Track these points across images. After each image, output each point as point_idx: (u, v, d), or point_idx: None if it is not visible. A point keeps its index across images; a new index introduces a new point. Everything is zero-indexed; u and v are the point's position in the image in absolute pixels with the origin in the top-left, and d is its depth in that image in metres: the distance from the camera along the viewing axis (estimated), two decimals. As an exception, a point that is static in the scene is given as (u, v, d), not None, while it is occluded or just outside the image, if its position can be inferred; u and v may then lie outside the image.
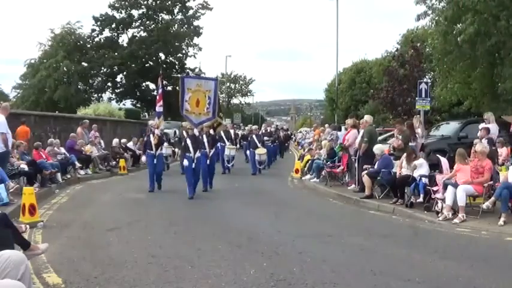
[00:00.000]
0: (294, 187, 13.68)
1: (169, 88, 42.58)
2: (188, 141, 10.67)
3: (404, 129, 10.99)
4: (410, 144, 10.34)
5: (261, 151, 16.35)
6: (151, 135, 11.76)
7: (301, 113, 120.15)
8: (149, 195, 10.88)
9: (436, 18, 16.39)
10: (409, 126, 10.97)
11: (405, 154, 9.72)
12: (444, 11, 15.75)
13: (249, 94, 62.71)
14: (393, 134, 16.77)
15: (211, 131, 12.98)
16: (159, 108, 12.67)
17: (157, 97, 12.98)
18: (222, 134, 16.70)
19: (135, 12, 40.03)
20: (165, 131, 18.61)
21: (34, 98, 35.27)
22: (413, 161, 9.37)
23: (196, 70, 42.53)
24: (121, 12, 39.45)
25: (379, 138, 14.94)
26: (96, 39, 39.38)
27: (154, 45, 38.01)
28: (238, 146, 19.52)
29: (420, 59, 22.39)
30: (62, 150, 13.37)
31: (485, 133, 10.60)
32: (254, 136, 16.96)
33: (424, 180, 8.95)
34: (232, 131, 18.66)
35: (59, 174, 11.70)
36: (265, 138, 18.08)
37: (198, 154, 10.63)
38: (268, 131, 20.92)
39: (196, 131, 11.07)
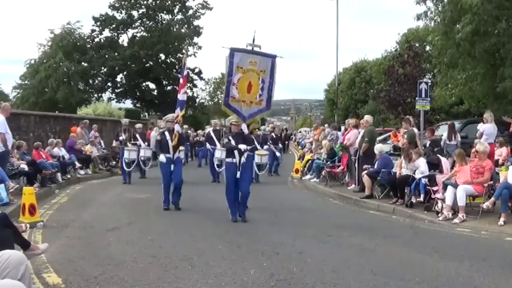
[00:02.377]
0: (293, 187, 13.68)
1: (169, 88, 42.67)
2: (233, 141, 7.95)
3: (410, 128, 11.04)
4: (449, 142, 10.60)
5: (261, 153, 14.11)
6: (166, 133, 9.08)
7: (301, 113, 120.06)
8: (149, 195, 10.85)
9: (435, 18, 16.42)
10: (430, 131, 11.27)
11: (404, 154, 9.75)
12: (443, 12, 15.78)
13: (249, 94, 62.74)
14: (392, 134, 16.85)
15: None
16: (182, 96, 9.44)
17: (181, 81, 9.61)
18: (212, 133, 14.50)
19: (135, 12, 40.08)
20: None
21: (34, 98, 35.29)
22: (412, 161, 9.39)
23: (196, 70, 42.61)
24: (121, 12, 39.48)
25: (379, 138, 14.97)
26: (96, 39, 39.42)
27: (156, 47, 38.03)
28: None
29: (419, 59, 22.43)
30: (62, 150, 13.37)
31: (480, 135, 10.66)
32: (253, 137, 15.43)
33: (424, 180, 8.95)
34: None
35: (59, 174, 11.71)
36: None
37: (243, 159, 7.88)
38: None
39: (245, 127, 8.28)
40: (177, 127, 9.05)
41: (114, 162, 15.93)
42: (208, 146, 14.80)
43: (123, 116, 26.77)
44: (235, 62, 8.33)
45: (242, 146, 7.75)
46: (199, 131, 22.96)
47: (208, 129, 16.46)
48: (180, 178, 8.93)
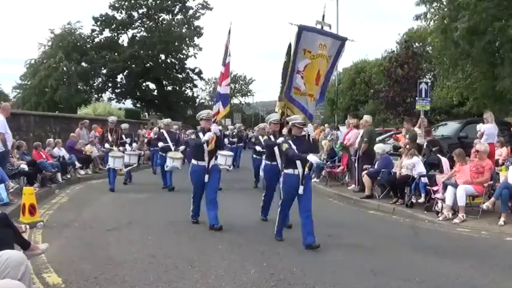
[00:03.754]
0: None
1: (169, 88, 42.72)
2: (293, 146, 6.18)
3: (412, 128, 11.05)
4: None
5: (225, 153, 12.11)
6: (200, 135, 7.29)
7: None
8: (149, 195, 10.86)
9: (435, 18, 16.44)
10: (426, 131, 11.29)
11: (404, 154, 9.76)
12: (442, 11, 15.81)
13: (249, 94, 62.82)
14: (392, 134, 16.85)
15: (284, 131, 7.41)
16: (224, 89, 7.59)
17: (223, 70, 7.59)
18: (165, 134, 12.09)
19: (135, 13, 40.13)
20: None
21: (35, 98, 35.33)
22: (410, 158, 9.40)
23: (197, 70, 42.67)
24: (121, 13, 39.54)
25: (379, 138, 14.96)
26: (97, 39, 39.47)
27: (156, 47, 38.10)
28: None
29: (417, 59, 22.42)
30: (62, 150, 13.37)
31: (480, 135, 10.64)
32: (260, 137, 12.39)
33: (424, 180, 8.95)
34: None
35: (59, 174, 11.70)
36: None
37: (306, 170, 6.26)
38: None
39: (311, 128, 6.78)
40: (214, 127, 7.23)
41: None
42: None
43: (123, 116, 26.79)
44: (302, 44, 6.62)
45: (312, 158, 6.04)
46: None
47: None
48: (215, 192, 7.29)
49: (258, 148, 11.74)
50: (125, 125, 12.74)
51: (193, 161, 7.36)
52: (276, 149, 7.26)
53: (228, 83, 7.69)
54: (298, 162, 6.18)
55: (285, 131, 7.23)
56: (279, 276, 4.79)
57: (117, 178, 11.67)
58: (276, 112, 7.76)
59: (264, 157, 10.90)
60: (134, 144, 13.27)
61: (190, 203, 7.58)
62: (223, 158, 10.78)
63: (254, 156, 12.31)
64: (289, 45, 7.04)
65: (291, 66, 6.78)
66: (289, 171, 6.23)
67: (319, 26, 6.87)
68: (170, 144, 11.68)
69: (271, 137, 7.54)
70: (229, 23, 7.73)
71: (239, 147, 18.28)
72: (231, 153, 12.12)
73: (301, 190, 6.16)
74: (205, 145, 7.16)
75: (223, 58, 7.52)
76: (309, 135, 6.59)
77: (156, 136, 13.24)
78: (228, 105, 7.76)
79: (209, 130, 7.22)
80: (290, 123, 6.46)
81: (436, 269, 5.18)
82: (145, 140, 18.61)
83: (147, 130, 21.98)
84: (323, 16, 7.11)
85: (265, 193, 7.83)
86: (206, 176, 7.21)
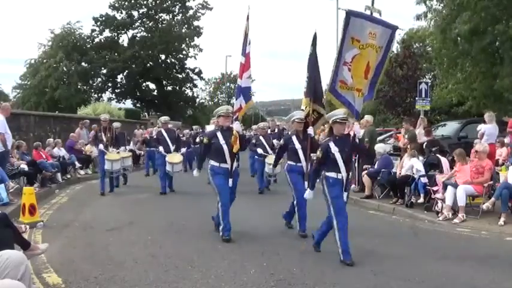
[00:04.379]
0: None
1: (169, 88, 42.70)
2: (336, 151, 5.49)
3: (411, 128, 11.05)
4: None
5: (270, 160, 10.98)
6: (219, 134, 6.44)
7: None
8: (149, 195, 10.85)
9: (436, 18, 16.43)
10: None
11: (406, 154, 9.75)
12: (443, 10, 15.79)
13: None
14: (392, 134, 16.86)
15: (310, 130, 6.79)
16: (245, 82, 6.84)
17: (243, 61, 6.77)
18: (164, 133, 11.24)
19: (135, 13, 40.13)
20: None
21: (35, 98, 35.33)
22: (410, 156, 9.41)
23: (197, 70, 42.65)
24: (121, 13, 39.53)
25: (379, 138, 14.96)
26: (97, 39, 39.46)
27: (156, 47, 38.09)
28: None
29: (416, 59, 22.42)
30: (62, 150, 13.37)
31: (481, 136, 10.64)
32: (262, 138, 11.73)
33: (424, 180, 8.95)
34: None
35: (59, 174, 11.70)
36: (275, 141, 11.79)
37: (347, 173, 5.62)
38: (276, 130, 14.06)
39: (357, 128, 6.07)
40: (237, 126, 6.50)
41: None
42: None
43: (123, 116, 26.76)
44: (350, 31, 5.91)
45: (309, 196, 5.84)
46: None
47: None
48: (233, 196, 6.60)
49: (259, 151, 11.31)
50: (116, 124, 12.04)
51: (213, 162, 6.42)
52: (300, 149, 6.71)
53: (249, 75, 6.88)
54: (342, 165, 5.45)
55: (310, 130, 6.70)
56: (279, 276, 4.79)
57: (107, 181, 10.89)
58: (302, 110, 7.03)
59: (267, 159, 10.80)
60: (130, 145, 12.68)
61: (218, 215, 6.38)
62: (170, 166, 10.77)
63: (256, 157, 11.75)
64: (315, 36, 6.78)
65: (336, 56, 6.00)
66: (332, 174, 5.52)
67: (368, 12, 6.13)
68: (170, 145, 11.01)
69: (294, 137, 6.84)
70: (248, 8, 6.78)
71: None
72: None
73: (345, 197, 5.60)
74: (225, 146, 6.35)
75: (242, 47, 6.79)
76: (354, 135, 5.89)
77: (154, 137, 12.24)
78: (250, 99, 7.04)
79: (228, 129, 6.45)
80: (330, 121, 5.65)
81: (436, 269, 5.18)
82: (140, 139, 17.54)
83: (145, 130, 21.80)
84: (372, 1, 6.71)
85: (297, 201, 6.67)
86: (230, 180, 6.37)
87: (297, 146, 6.81)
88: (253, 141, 11.90)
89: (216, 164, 6.43)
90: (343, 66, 5.99)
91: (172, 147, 11.03)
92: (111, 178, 10.99)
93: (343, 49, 5.96)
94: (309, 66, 6.86)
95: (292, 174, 6.81)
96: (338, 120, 5.53)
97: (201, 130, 18.52)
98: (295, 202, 6.80)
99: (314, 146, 6.58)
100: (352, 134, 5.97)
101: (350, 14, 5.93)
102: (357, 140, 5.97)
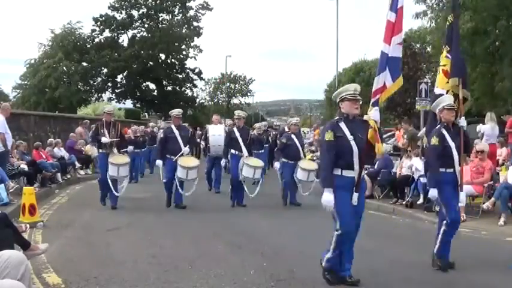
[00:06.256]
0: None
1: (169, 88, 42.71)
2: (450, 142, 5.02)
3: (410, 128, 11.06)
4: None
5: (307, 165, 9.45)
6: (343, 126, 4.46)
7: (301, 113, 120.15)
8: (149, 195, 10.84)
9: (436, 18, 16.42)
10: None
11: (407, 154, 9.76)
12: (443, 10, 15.78)
13: (249, 94, 62.76)
14: (393, 134, 16.85)
15: (462, 122, 5.34)
16: (395, 49, 5.00)
17: (393, 18, 4.94)
18: (175, 130, 9.13)
19: (135, 13, 40.14)
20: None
21: (35, 98, 35.35)
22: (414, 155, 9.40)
23: (197, 70, 42.67)
24: (121, 13, 39.55)
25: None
26: (97, 39, 39.47)
27: (156, 47, 38.09)
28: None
29: (418, 59, 22.42)
30: (62, 150, 13.37)
31: (481, 136, 10.65)
32: (295, 137, 9.61)
33: (424, 180, 8.94)
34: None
35: (59, 174, 11.70)
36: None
37: None
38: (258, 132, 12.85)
39: (463, 122, 5.24)
40: (375, 113, 4.61)
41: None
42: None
43: (123, 117, 26.72)
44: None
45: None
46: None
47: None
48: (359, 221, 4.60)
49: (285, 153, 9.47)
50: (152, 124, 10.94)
51: (338, 171, 4.40)
52: (454, 149, 5.06)
53: (400, 40, 5.03)
54: (456, 159, 4.75)
55: (463, 122, 5.27)
56: (279, 277, 4.79)
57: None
58: (445, 95, 5.67)
59: (300, 163, 9.14)
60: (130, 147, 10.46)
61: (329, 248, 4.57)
62: (251, 170, 8.92)
63: (285, 161, 9.45)
64: None
65: (453, 47, 5.57)
66: (450, 170, 5.00)
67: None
68: (182, 146, 8.92)
69: (444, 131, 5.10)
70: None
71: None
72: (261, 162, 9.54)
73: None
74: (353, 143, 4.35)
75: (392, 5, 4.96)
76: (461, 126, 5.17)
77: (162, 135, 9.90)
78: (399, 76, 5.01)
79: (348, 117, 4.45)
80: (437, 109, 5.15)
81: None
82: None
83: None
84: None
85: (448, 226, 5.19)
86: (355, 196, 4.42)
87: (451, 144, 5.04)
88: (284, 140, 9.61)
89: (337, 171, 4.42)
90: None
91: (184, 149, 8.90)
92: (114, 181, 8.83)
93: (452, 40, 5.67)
94: (450, 37, 5.89)
95: (446, 188, 5.04)
96: (446, 107, 5.05)
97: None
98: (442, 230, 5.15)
99: (467, 143, 5.21)
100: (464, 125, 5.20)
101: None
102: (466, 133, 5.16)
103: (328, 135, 4.35)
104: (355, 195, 4.39)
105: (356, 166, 4.35)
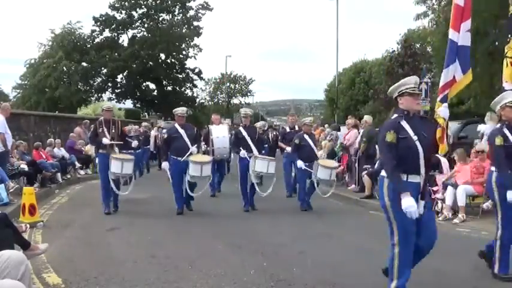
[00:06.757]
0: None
1: (169, 88, 42.72)
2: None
3: None
4: None
5: (328, 163, 9.36)
6: (405, 124, 3.90)
7: (301, 113, 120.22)
8: (149, 195, 10.84)
9: (436, 19, 16.41)
10: None
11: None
12: (444, 11, 15.77)
13: (249, 94, 62.80)
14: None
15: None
16: (464, 37, 4.65)
17: (461, 2, 4.79)
18: (179, 129, 8.61)
19: (135, 13, 40.13)
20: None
21: (35, 98, 35.37)
22: None
23: (197, 70, 42.67)
24: (121, 13, 39.54)
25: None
26: (97, 39, 39.47)
27: (156, 47, 38.11)
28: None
29: (418, 59, 22.41)
30: (62, 150, 13.37)
31: (481, 136, 10.61)
32: (308, 138, 9.31)
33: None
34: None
35: (59, 174, 11.71)
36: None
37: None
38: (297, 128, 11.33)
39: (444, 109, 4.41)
40: (444, 110, 4.33)
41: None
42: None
43: (123, 117, 26.70)
44: None
45: None
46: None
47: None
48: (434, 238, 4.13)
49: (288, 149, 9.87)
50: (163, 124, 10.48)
51: (403, 177, 3.83)
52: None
53: (468, 27, 4.63)
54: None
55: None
56: (279, 276, 4.79)
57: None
58: (509, 91, 5.31)
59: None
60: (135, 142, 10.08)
61: (392, 264, 4.06)
62: (265, 163, 8.59)
63: (300, 165, 9.09)
64: None
65: None
66: None
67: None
68: (188, 144, 8.39)
69: (506, 130, 4.68)
70: None
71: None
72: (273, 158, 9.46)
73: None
74: (418, 144, 3.86)
75: None
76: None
77: (166, 136, 9.19)
78: (469, 69, 4.56)
79: (408, 114, 3.94)
80: (498, 106, 4.74)
81: (436, 269, 5.17)
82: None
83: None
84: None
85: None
86: (421, 205, 3.87)
87: None
88: (296, 141, 9.23)
89: (404, 177, 3.85)
90: None
91: (193, 149, 8.42)
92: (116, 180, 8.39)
93: None
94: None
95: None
96: (509, 104, 4.61)
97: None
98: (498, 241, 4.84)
99: None
100: None
101: None
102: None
103: (390, 137, 3.84)
104: (422, 203, 3.84)
105: (422, 170, 3.84)
